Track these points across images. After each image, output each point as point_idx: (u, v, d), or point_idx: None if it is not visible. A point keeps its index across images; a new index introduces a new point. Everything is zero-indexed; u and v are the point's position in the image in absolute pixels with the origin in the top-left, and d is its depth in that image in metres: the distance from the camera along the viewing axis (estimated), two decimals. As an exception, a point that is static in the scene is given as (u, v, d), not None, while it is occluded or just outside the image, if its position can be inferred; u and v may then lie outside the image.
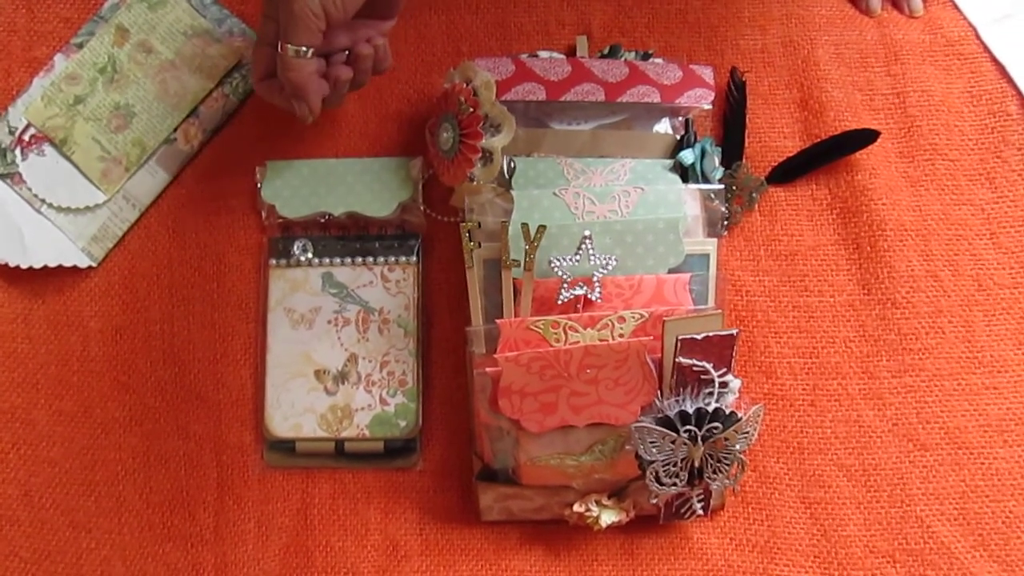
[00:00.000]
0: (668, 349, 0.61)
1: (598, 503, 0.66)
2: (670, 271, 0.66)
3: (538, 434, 0.63)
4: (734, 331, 0.62)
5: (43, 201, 0.72)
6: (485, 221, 0.67)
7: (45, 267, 0.71)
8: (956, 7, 0.76)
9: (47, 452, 0.70)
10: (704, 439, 0.61)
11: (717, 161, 0.71)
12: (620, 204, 0.68)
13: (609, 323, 0.63)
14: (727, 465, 0.63)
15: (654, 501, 0.64)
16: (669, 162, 0.70)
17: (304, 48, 0.62)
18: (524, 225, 0.64)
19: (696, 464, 0.62)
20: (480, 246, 0.66)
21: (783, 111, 0.74)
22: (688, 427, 0.61)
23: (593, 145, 0.70)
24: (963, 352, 0.70)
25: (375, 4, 0.64)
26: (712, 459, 0.62)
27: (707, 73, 0.72)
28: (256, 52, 0.66)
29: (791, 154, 0.73)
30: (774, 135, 0.74)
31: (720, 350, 0.61)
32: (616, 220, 0.67)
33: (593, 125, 0.71)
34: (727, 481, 0.64)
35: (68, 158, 0.73)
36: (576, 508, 0.66)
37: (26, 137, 0.73)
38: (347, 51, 0.66)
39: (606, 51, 0.74)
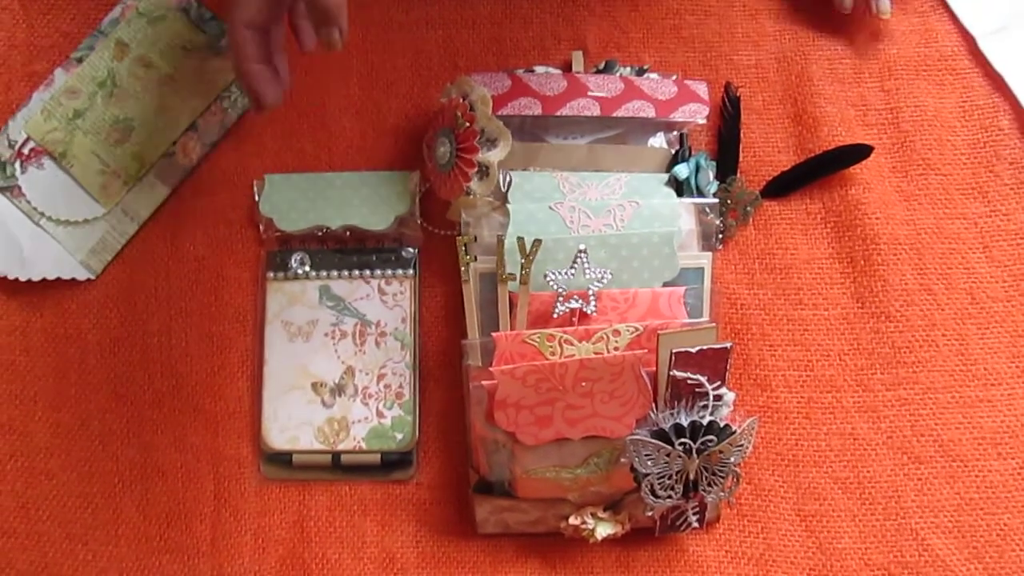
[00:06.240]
0: (663, 362, 0.62)
1: (594, 516, 0.66)
2: (665, 284, 0.67)
3: (534, 447, 0.64)
4: (728, 344, 0.62)
5: (42, 214, 0.73)
6: (481, 235, 0.68)
7: (44, 280, 0.71)
8: (951, 19, 0.76)
9: (44, 464, 0.70)
10: (699, 452, 0.62)
11: (712, 175, 0.72)
12: (615, 218, 0.68)
13: (604, 336, 0.64)
14: (722, 478, 0.63)
15: (649, 514, 0.64)
16: (664, 176, 0.71)
17: None
18: (520, 239, 0.64)
19: (691, 477, 0.62)
20: (476, 259, 0.66)
21: (777, 126, 0.75)
22: (683, 440, 0.61)
23: (589, 159, 0.71)
24: (957, 365, 0.71)
25: None
26: (707, 472, 0.63)
27: (702, 88, 0.72)
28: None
29: (785, 168, 0.74)
30: (768, 150, 0.75)
31: (714, 363, 0.62)
32: (611, 234, 0.67)
33: (589, 140, 0.72)
34: (722, 494, 0.64)
35: (67, 171, 0.73)
36: (572, 521, 0.66)
37: (26, 151, 0.73)
38: None
39: (601, 66, 0.74)
